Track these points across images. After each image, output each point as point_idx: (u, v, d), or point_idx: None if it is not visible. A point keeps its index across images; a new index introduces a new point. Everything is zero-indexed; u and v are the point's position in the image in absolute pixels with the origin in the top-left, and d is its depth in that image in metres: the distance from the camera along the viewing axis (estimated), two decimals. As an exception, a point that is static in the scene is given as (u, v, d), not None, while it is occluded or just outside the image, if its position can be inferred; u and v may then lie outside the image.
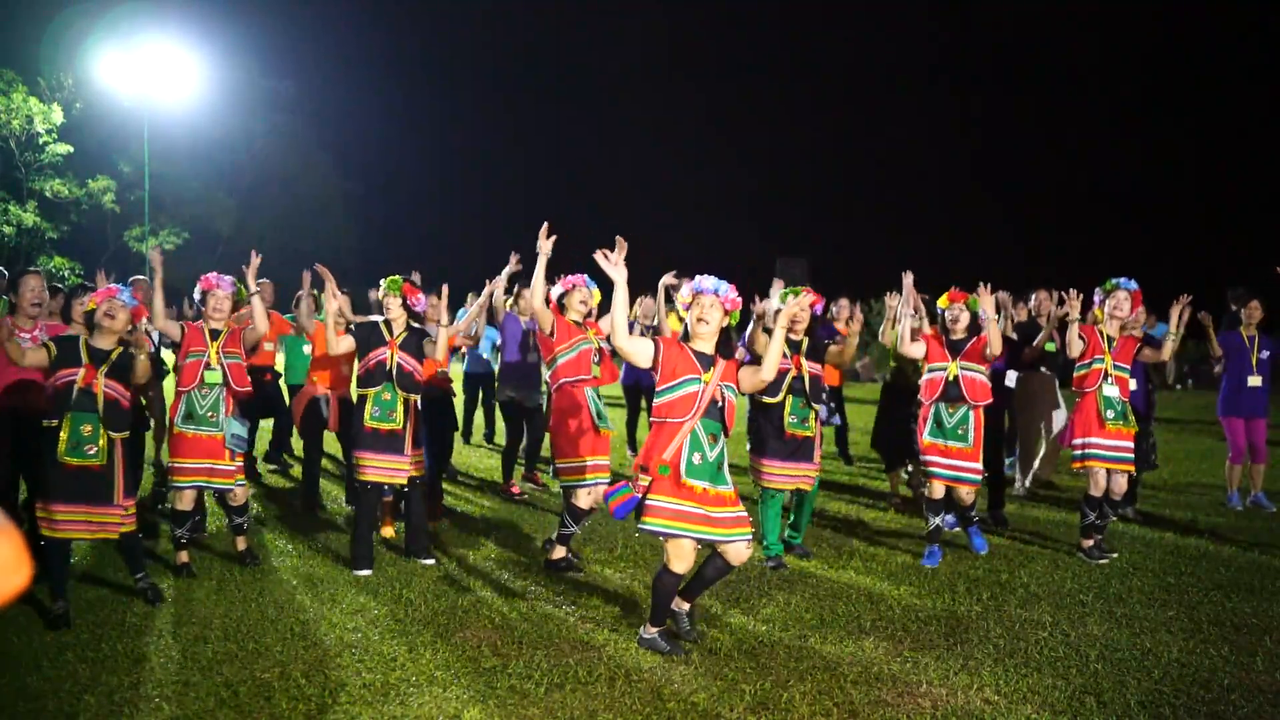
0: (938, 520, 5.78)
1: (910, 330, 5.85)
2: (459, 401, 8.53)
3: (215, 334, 5.46)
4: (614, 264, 4.15)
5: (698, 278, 4.25)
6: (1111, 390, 5.82)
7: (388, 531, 6.27)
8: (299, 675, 3.91)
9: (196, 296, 5.66)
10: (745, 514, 4.17)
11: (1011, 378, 7.67)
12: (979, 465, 5.72)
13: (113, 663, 4.06)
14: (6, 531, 1.35)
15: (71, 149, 22.48)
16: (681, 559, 4.11)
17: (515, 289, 7.75)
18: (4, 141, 22.14)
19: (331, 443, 8.23)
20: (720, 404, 4.16)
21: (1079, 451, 5.90)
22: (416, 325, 5.65)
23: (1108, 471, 5.81)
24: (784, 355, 5.40)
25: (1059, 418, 7.79)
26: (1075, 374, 6.00)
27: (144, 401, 7.23)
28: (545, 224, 5.42)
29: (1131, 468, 5.91)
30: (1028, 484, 8.00)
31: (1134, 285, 5.96)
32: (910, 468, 7.57)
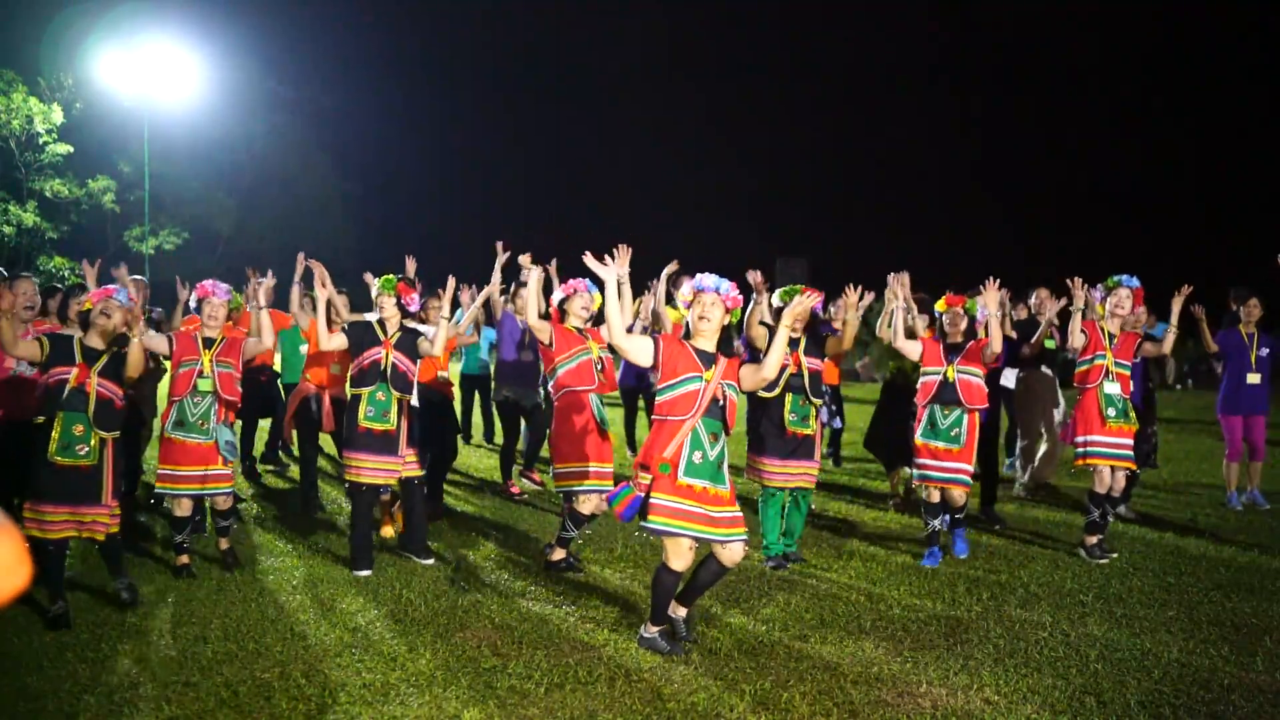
0: (936, 523, 5.79)
1: (903, 325, 5.85)
2: (455, 404, 8.52)
3: (209, 342, 5.40)
4: (604, 265, 4.15)
5: (699, 276, 4.25)
6: (1112, 387, 5.84)
7: (388, 531, 6.27)
8: (299, 675, 3.91)
9: (192, 304, 5.63)
10: (740, 514, 4.18)
11: (1010, 376, 7.67)
12: (970, 467, 5.73)
13: (113, 663, 4.06)
14: (6, 531, 1.35)
15: (71, 149, 22.47)
16: (680, 557, 4.12)
17: (513, 287, 7.74)
18: (4, 141, 22.12)
19: (330, 442, 8.22)
20: (721, 402, 4.16)
21: (1080, 449, 5.90)
22: (410, 325, 5.64)
23: (1111, 468, 5.82)
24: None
25: (1059, 417, 7.79)
26: (1076, 370, 6.01)
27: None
28: (517, 253, 5.54)
29: (1132, 465, 5.94)
30: (1025, 480, 7.99)
31: (1136, 283, 5.97)
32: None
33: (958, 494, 5.75)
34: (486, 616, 4.67)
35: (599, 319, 5.77)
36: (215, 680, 3.86)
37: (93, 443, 4.64)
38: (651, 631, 4.24)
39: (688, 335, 4.27)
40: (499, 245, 6.42)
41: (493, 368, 9.11)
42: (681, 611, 4.35)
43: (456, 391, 8.36)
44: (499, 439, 9.76)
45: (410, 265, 6.51)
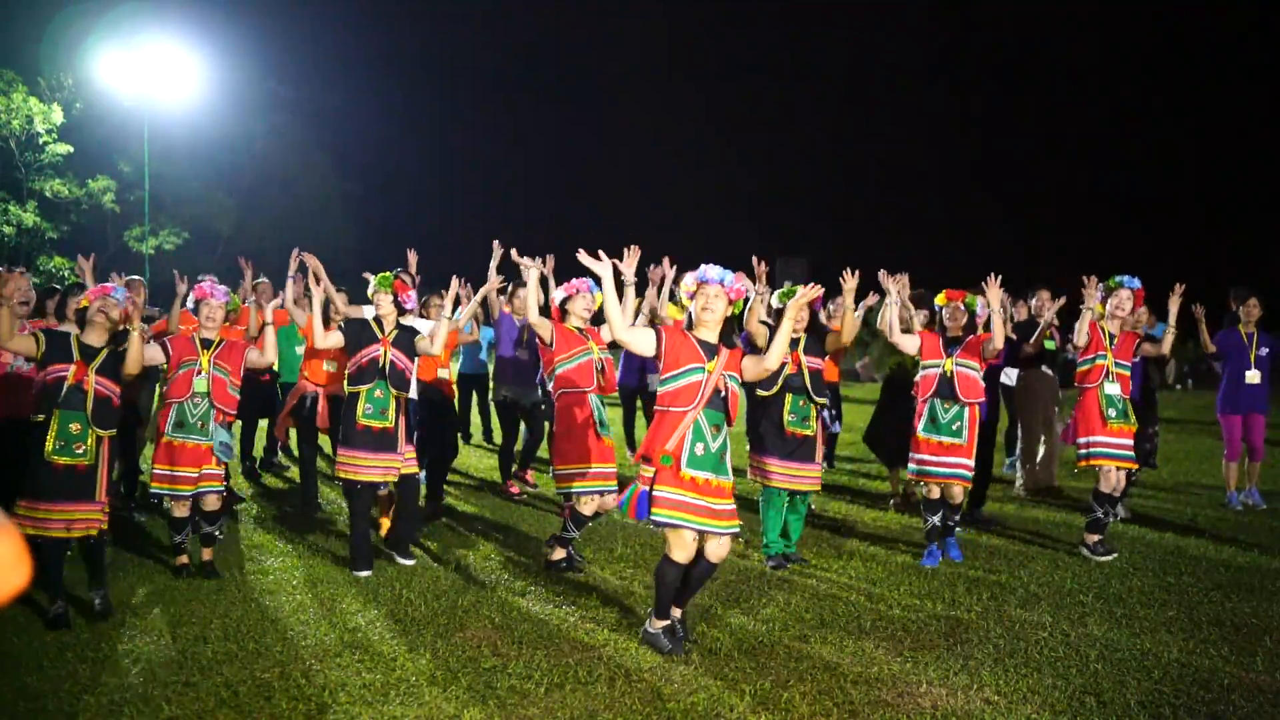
0: (935, 520, 5.77)
1: (898, 320, 5.84)
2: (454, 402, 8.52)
3: (207, 343, 5.37)
4: (599, 261, 4.15)
5: (703, 267, 4.25)
6: (1113, 388, 5.86)
7: (387, 526, 6.24)
8: (299, 675, 3.91)
9: (190, 305, 5.63)
10: (734, 507, 4.21)
11: (1010, 375, 7.68)
12: (971, 462, 5.71)
13: (113, 663, 4.06)
14: (6, 531, 1.35)
15: (71, 149, 22.45)
16: (683, 548, 4.13)
17: (510, 287, 7.74)
18: (4, 141, 22.11)
19: (329, 442, 8.22)
20: (723, 394, 4.17)
21: (1083, 451, 5.91)
22: (406, 322, 5.64)
23: (1117, 468, 5.84)
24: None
25: (1059, 417, 7.80)
26: (1077, 369, 6.02)
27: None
28: (513, 250, 5.53)
29: (1133, 464, 5.97)
30: (1025, 482, 7.99)
31: (1137, 284, 5.98)
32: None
33: (957, 490, 5.74)
34: (486, 616, 4.67)
35: (599, 319, 5.77)
36: (215, 680, 3.86)
37: (89, 442, 4.63)
38: (655, 627, 4.24)
39: (690, 325, 4.28)
40: (496, 244, 6.42)
41: (490, 368, 9.11)
42: (677, 612, 4.35)
43: (454, 390, 8.36)
44: (498, 438, 9.76)
45: (412, 259, 6.51)
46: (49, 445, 4.55)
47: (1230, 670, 4.03)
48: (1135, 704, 3.68)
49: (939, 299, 5.92)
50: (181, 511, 5.31)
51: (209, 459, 5.29)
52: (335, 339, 5.51)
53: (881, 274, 5.98)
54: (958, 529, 6.03)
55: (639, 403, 9.65)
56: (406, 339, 5.52)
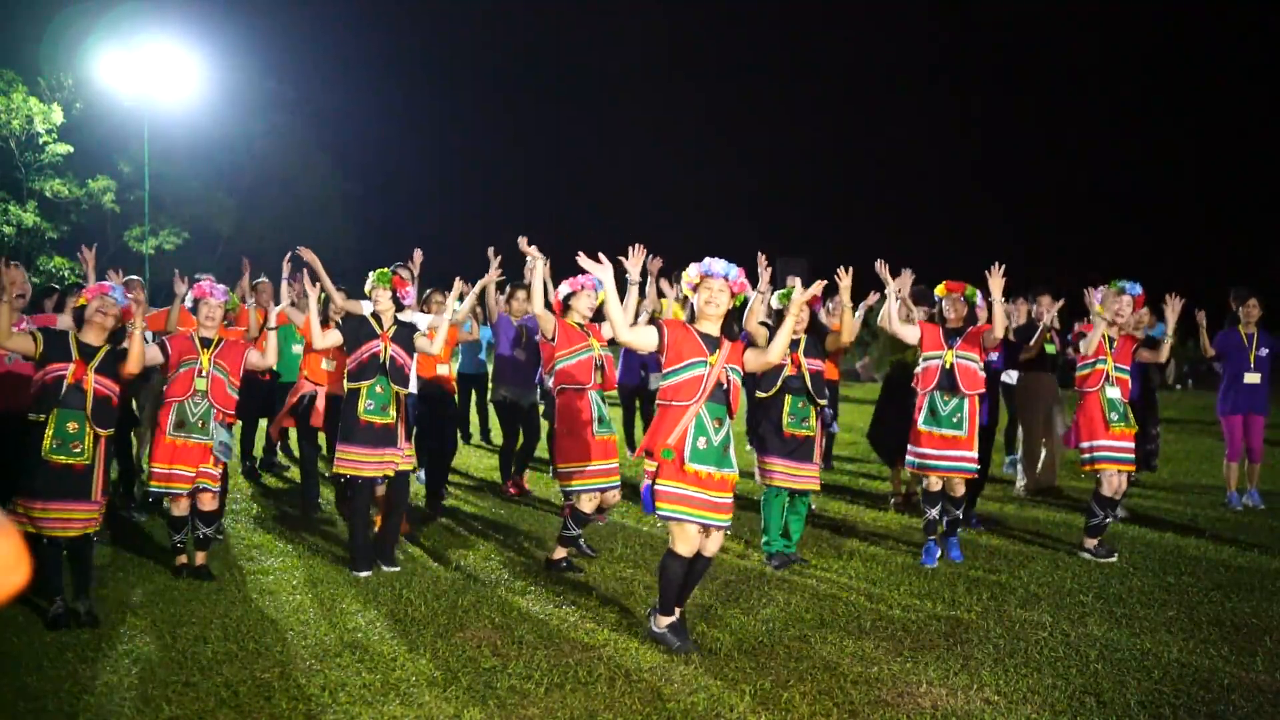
0: (934, 512, 5.76)
1: (896, 311, 5.85)
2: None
3: (207, 342, 5.37)
4: (600, 264, 4.14)
5: (707, 260, 4.24)
6: (1114, 392, 5.87)
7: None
8: (299, 675, 3.91)
9: (188, 304, 5.63)
10: (731, 500, 4.24)
11: (1012, 376, 7.68)
12: (974, 454, 5.70)
13: (113, 663, 4.06)
14: (6, 530, 1.35)
15: (71, 149, 22.44)
16: (687, 542, 4.15)
17: (508, 289, 7.75)
18: (4, 141, 22.10)
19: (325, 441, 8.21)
20: (725, 386, 4.18)
21: (1086, 455, 5.91)
22: (404, 318, 5.64)
23: (1117, 471, 5.86)
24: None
25: (1060, 419, 7.80)
26: (1077, 374, 6.02)
27: (134, 402, 7.22)
28: (523, 238, 5.46)
29: (1133, 467, 5.98)
30: (1025, 483, 7.99)
31: (1138, 290, 6.00)
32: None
33: (958, 483, 5.73)
34: (486, 616, 4.67)
35: (599, 315, 5.77)
36: (215, 680, 3.86)
37: (87, 441, 4.62)
38: (662, 626, 4.25)
39: (692, 319, 4.28)
40: (490, 251, 6.42)
41: (490, 368, 9.11)
42: (676, 610, 4.36)
43: (455, 388, 8.36)
44: (495, 438, 9.76)
45: (417, 258, 6.49)
46: (46, 444, 4.54)
47: (1230, 670, 4.03)
48: (1135, 704, 3.68)
49: (938, 290, 5.92)
50: (180, 510, 5.31)
51: (208, 458, 5.28)
52: (334, 337, 5.51)
53: (879, 264, 5.96)
54: (959, 529, 6.02)
55: (638, 402, 9.66)
56: (406, 334, 5.53)
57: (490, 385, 8.66)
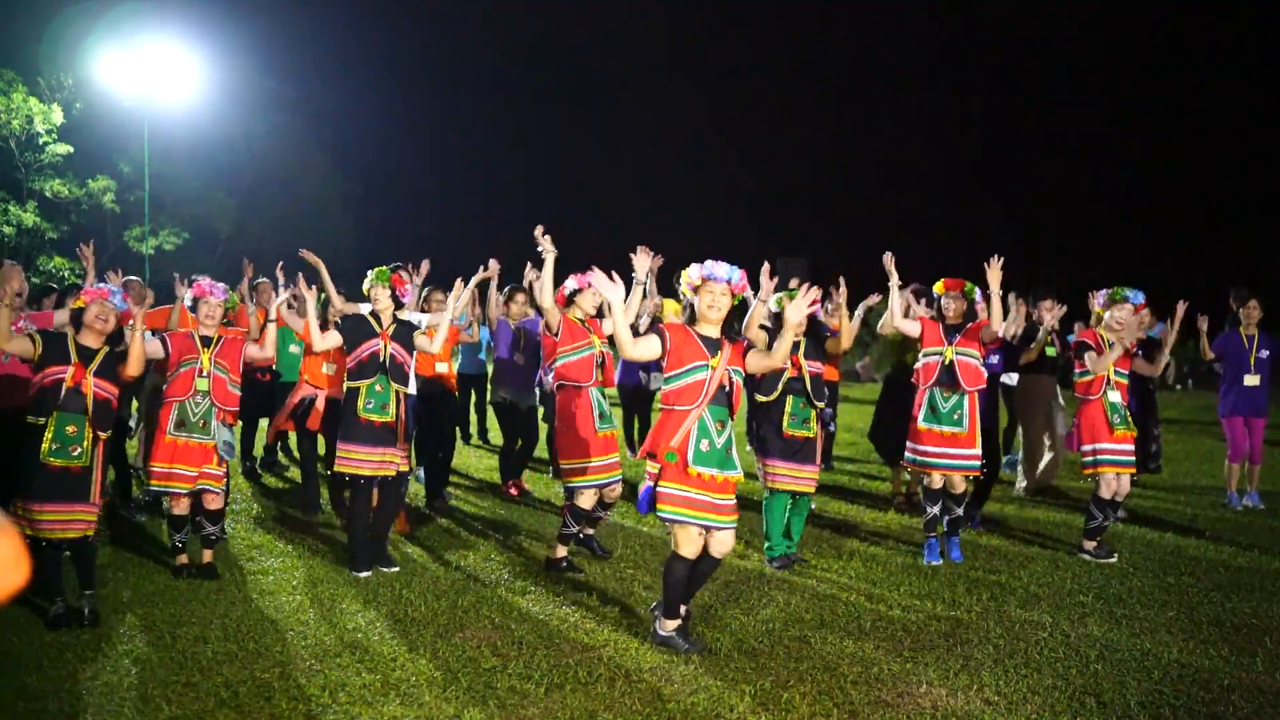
0: (935, 510, 5.76)
1: (899, 305, 5.85)
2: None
3: (207, 341, 5.38)
4: (615, 284, 4.08)
5: (709, 263, 4.22)
6: (1115, 396, 5.90)
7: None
8: (299, 675, 3.91)
9: (188, 302, 5.63)
10: (734, 501, 4.23)
11: (1012, 378, 7.68)
12: (976, 451, 5.68)
13: (113, 663, 4.06)
14: (4, 530, 1.35)
15: (71, 149, 22.45)
16: (690, 544, 4.14)
17: (506, 290, 7.75)
18: (4, 141, 22.11)
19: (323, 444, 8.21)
20: (727, 389, 4.18)
21: (1089, 458, 5.92)
22: (403, 316, 5.64)
23: (1117, 474, 5.87)
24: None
25: (1061, 420, 7.80)
26: (1078, 379, 6.03)
27: (135, 401, 7.22)
28: (539, 226, 5.41)
29: (1134, 469, 6.00)
30: (1025, 484, 7.99)
31: (1140, 299, 6.02)
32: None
33: (959, 479, 5.73)
34: (486, 616, 4.67)
35: (599, 310, 5.77)
36: (215, 680, 3.86)
37: (85, 444, 4.62)
38: (667, 629, 4.24)
39: (692, 320, 4.27)
40: (495, 265, 6.36)
41: (489, 368, 9.11)
42: (681, 609, 4.36)
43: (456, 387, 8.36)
44: (494, 439, 9.76)
45: (424, 268, 6.44)
46: (45, 447, 4.53)
47: (1230, 670, 4.03)
48: (1135, 704, 3.68)
49: (937, 287, 5.93)
50: (180, 509, 5.31)
51: (211, 458, 5.29)
52: (333, 338, 5.51)
53: (887, 257, 5.90)
54: (960, 529, 6.03)
55: (638, 403, 9.66)
56: (405, 333, 5.53)
57: (490, 387, 8.66)
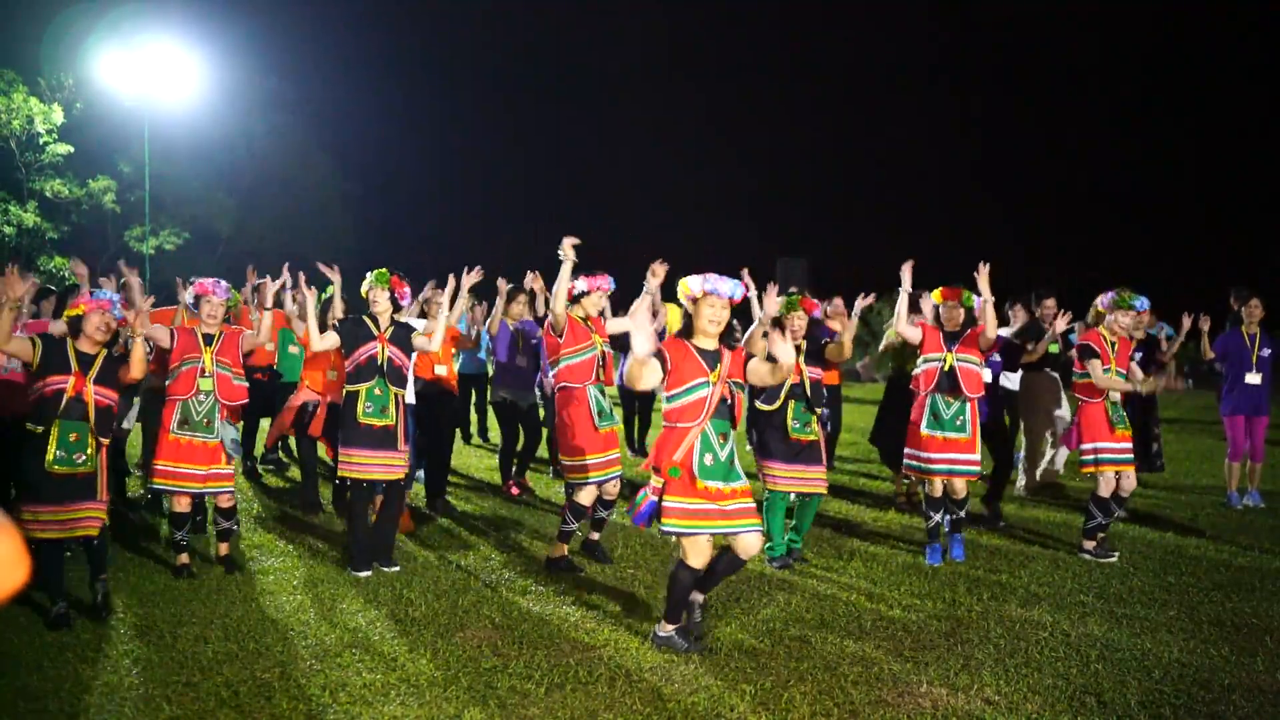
0: (938, 518, 5.79)
1: (906, 311, 5.87)
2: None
3: (209, 339, 5.41)
4: (652, 341, 3.95)
5: (712, 278, 4.19)
6: (1116, 395, 5.93)
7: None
8: (299, 675, 3.91)
9: (189, 300, 5.63)
10: (753, 504, 4.21)
11: (1013, 379, 7.68)
12: (976, 456, 5.73)
13: (113, 663, 4.06)
14: (4, 529, 1.35)
15: (72, 149, 22.46)
16: (698, 554, 4.14)
17: (508, 290, 7.73)
18: (4, 141, 22.12)
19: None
20: (729, 401, 4.18)
21: (1091, 457, 5.93)
22: (401, 319, 5.64)
23: (1116, 473, 5.90)
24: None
25: (1062, 419, 7.80)
26: (1079, 380, 6.04)
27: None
28: (571, 238, 5.33)
29: (1134, 466, 6.03)
30: (1026, 482, 8.00)
31: (1145, 306, 6.04)
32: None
33: (960, 485, 5.75)
34: (486, 616, 4.66)
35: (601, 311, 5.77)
36: (215, 680, 3.86)
37: (89, 451, 4.64)
38: (668, 630, 4.24)
39: (689, 333, 4.26)
40: (478, 270, 6.18)
41: (489, 368, 9.12)
42: (699, 597, 4.39)
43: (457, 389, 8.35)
44: (495, 438, 9.76)
45: (452, 284, 6.19)
46: (49, 456, 4.54)
47: (1230, 670, 4.03)
48: (1135, 704, 3.68)
49: (934, 296, 5.93)
50: (182, 507, 5.33)
51: (218, 458, 5.32)
52: (331, 339, 5.51)
53: (905, 267, 5.86)
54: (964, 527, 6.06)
55: (637, 404, 9.66)
56: (403, 335, 5.53)
57: (490, 387, 8.66)
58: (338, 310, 6.45)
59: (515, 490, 7.83)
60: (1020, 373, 7.65)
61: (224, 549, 5.55)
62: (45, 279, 20.62)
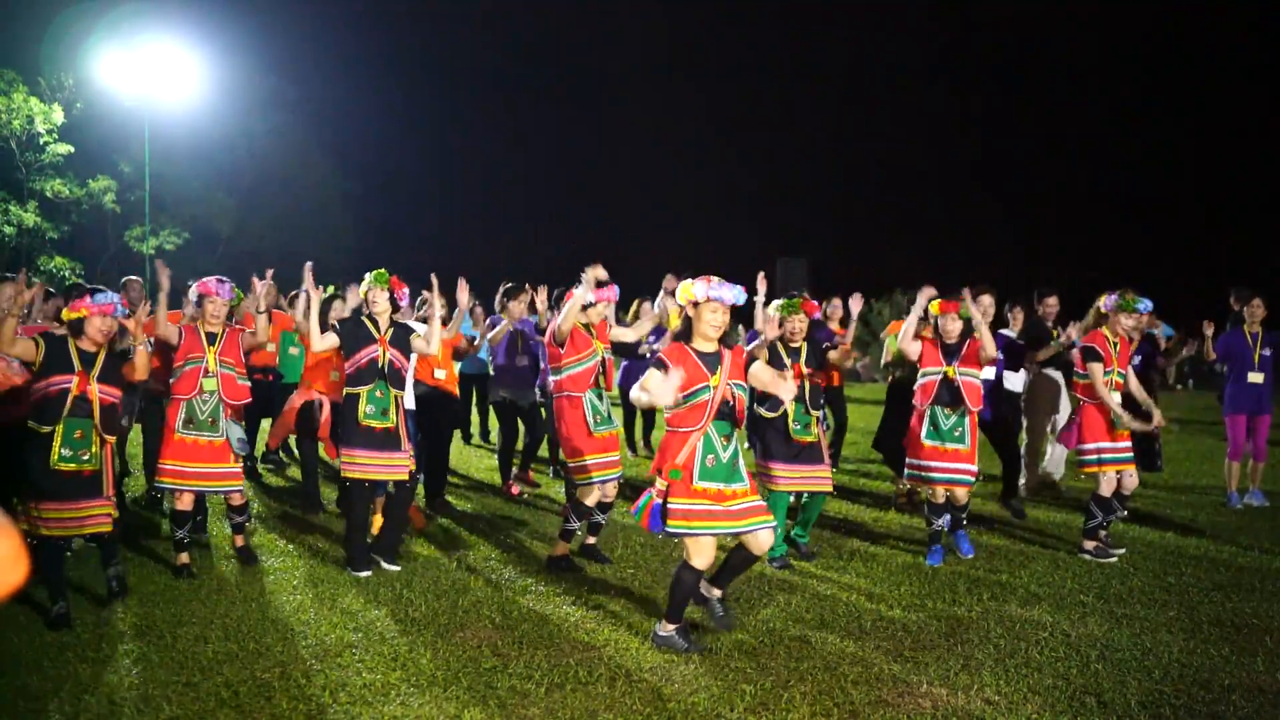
0: (940, 522, 5.81)
1: (914, 330, 5.89)
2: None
3: (212, 338, 5.44)
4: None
5: (715, 284, 4.19)
6: (1116, 397, 5.94)
7: (379, 525, 6.21)
8: (299, 675, 3.91)
9: (193, 298, 5.65)
10: (762, 502, 4.24)
11: (1016, 380, 7.68)
12: (975, 467, 5.80)
13: (113, 663, 4.06)
14: (3, 528, 1.35)
15: (72, 149, 22.44)
16: (702, 555, 4.15)
17: (502, 290, 7.74)
18: (4, 141, 22.11)
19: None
20: (731, 402, 4.19)
21: (1094, 457, 5.95)
22: (400, 321, 5.66)
23: (1118, 473, 5.94)
24: (785, 364, 5.47)
25: (1064, 417, 7.80)
26: (1081, 381, 6.05)
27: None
28: (600, 270, 5.38)
29: (1133, 465, 6.05)
30: (1027, 480, 8.00)
31: (1149, 308, 6.06)
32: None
33: (962, 493, 5.80)
34: (486, 616, 4.67)
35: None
36: (215, 680, 3.86)
37: (94, 448, 4.67)
38: (669, 630, 4.24)
39: (688, 337, 4.26)
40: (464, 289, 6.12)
41: (490, 368, 9.11)
42: (716, 592, 4.45)
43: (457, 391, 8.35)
44: (494, 438, 9.75)
45: (463, 291, 6.15)
46: (55, 454, 4.56)
47: (1231, 670, 4.03)
48: (1135, 704, 3.68)
49: (932, 308, 5.94)
50: (184, 505, 5.35)
51: (226, 456, 5.35)
52: (331, 340, 5.52)
53: (924, 293, 5.87)
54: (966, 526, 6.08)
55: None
56: (403, 337, 5.53)
57: (490, 387, 8.66)
58: (338, 310, 6.46)
59: (515, 490, 7.83)
60: (1023, 373, 7.66)
61: (239, 540, 5.69)
62: (46, 279, 20.63)
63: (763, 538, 4.19)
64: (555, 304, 6.09)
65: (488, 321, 7.92)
